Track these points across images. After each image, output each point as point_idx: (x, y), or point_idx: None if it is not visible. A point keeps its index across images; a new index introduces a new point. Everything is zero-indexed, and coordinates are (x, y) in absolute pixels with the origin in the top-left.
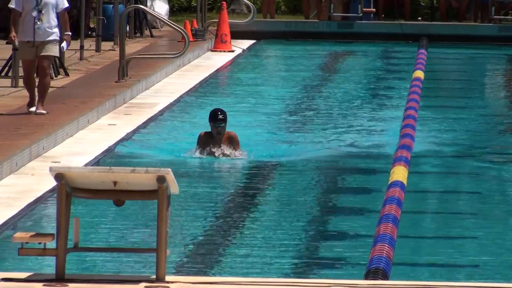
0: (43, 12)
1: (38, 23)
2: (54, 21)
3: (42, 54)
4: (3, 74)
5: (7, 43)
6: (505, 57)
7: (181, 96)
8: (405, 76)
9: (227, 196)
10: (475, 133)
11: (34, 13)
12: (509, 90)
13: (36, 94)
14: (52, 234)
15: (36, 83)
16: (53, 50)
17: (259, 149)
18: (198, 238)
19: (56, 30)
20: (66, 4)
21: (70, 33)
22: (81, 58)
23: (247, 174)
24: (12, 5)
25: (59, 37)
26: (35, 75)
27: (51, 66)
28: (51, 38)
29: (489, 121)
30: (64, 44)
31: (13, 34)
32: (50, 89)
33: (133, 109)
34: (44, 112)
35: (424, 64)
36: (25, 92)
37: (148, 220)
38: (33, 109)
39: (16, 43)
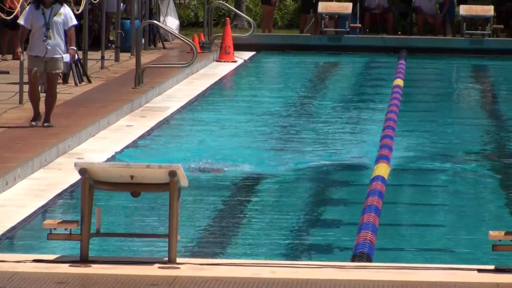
0: (51, 30)
1: (48, 40)
2: (61, 38)
3: (52, 71)
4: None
5: (13, 58)
6: (475, 67)
7: (190, 101)
8: (387, 84)
9: (227, 192)
10: (448, 134)
11: (43, 31)
12: (478, 96)
13: (42, 108)
14: (77, 221)
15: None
16: (60, 67)
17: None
18: (205, 226)
19: (63, 48)
20: (75, 22)
21: (75, 48)
22: (102, 67)
23: (245, 175)
24: (21, 21)
25: (65, 54)
26: (39, 89)
27: (77, 74)
28: (57, 55)
29: (461, 123)
30: (67, 56)
31: (19, 50)
32: (75, 94)
33: (147, 112)
34: (52, 125)
35: (403, 73)
36: None
37: (160, 209)
38: (50, 124)
39: (21, 59)
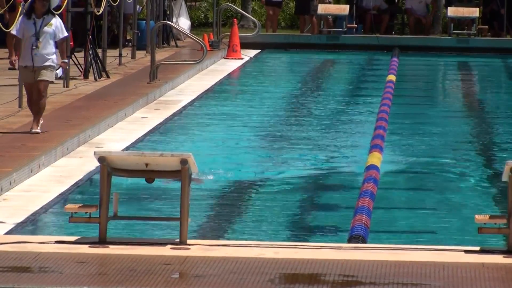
0: (40, 39)
1: (35, 49)
2: (51, 48)
3: (38, 78)
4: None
5: (10, 69)
6: (461, 63)
7: (200, 95)
8: (380, 79)
9: (230, 184)
10: (437, 125)
11: (32, 40)
12: (463, 90)
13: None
14: (96, 205)
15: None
16: (48, 75)
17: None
18: (214, 210)
19: (53, 56)
20: (65, 34)
21: (66, 61)
22: (119, 64)
23: (248, 164)
24: (13, 31)
25: (55, 63)
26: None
27: (96, 70)
28: (47, 63)
29: (450, 116)
30: (59, 70)
31: (13, 57)
32: (95, 89)
33: (161, 105)
34: (39, 131)
35: (396, 70)
36: (74, 91)
37: (172, 195)
38: (37, 130)
39: (16, 67)
